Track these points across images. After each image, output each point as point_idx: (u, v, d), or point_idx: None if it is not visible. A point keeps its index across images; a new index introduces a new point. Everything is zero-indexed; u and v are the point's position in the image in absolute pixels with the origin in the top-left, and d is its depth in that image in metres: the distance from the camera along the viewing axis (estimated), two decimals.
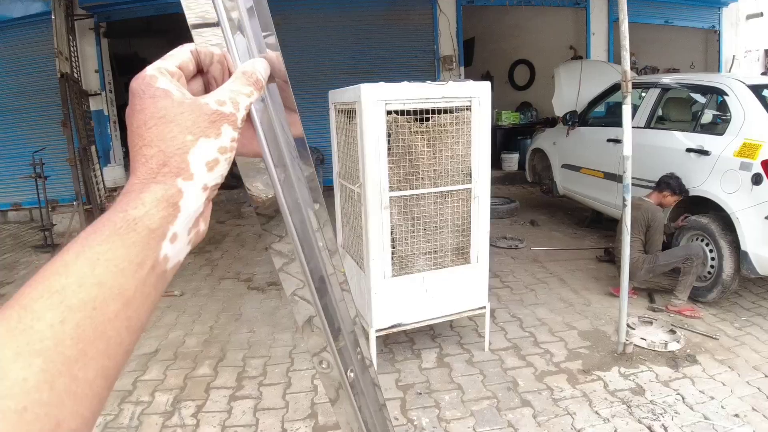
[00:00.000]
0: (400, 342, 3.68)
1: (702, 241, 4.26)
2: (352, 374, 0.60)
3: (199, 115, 0.38)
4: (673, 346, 3.52)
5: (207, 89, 0.46)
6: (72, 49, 7.40)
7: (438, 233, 3.23)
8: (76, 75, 7.42)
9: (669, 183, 4.25)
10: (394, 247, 3.16)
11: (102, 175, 7.46)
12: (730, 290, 4.11)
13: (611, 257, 5.01)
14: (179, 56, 0.43)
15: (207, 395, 3.11)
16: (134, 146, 0.38)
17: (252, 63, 0.44)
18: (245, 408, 2.98)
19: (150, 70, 0.40)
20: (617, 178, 5.20)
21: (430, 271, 3.25)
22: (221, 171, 0.40)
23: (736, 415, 2.83)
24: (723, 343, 3.60)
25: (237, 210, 7.87)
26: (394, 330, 3.28)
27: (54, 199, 7.42)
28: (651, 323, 3.88)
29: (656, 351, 3.49)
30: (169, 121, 0.37)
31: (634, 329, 3.73)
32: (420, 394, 3.09)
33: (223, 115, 0.39)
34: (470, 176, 3.17)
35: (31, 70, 7.82)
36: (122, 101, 8.98)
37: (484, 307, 3.43)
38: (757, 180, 3.76)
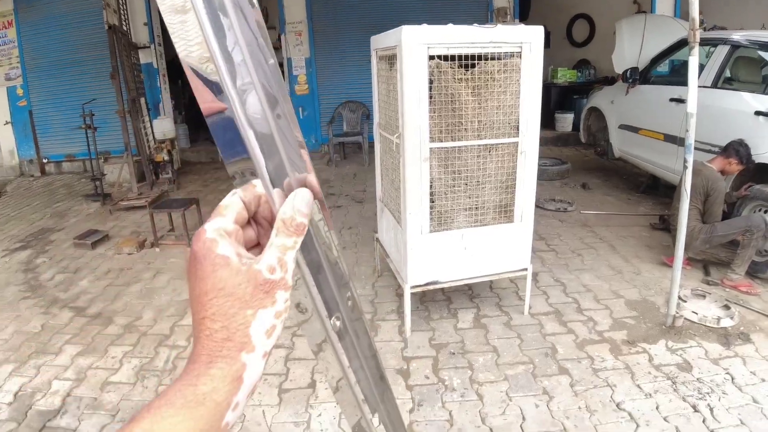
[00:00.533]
0: (436, 300, 3.60)
1: (765, 212, 3.93)
2: (338, 322, 0.50)
3: (255, 287, 0.40)
4: (726, 323, 3.29)
5: (259, 232, 0.47)
6: (120, 1, 7.44)
7: (480, 189, 3.09)
8: (125, 27, 7.47)
9: (738, 150, 3.91)
10: (432, 202, 3.04)
11: (152, 126, 7.58)
12: None
13: (667, 225, 4.73)
14: (234, 209, 0.43)
15: None
16: (196, 314, 0.40)
17: (291, 204, 0.42)
18: (277, 357, 2.99)
19: (210, 232, 0.41)
20: (678, 141, 4.86)
21: (470, 228, 3.13)
22: (278, 333, 0.43)
23: None
24: None
25: None
26: (431, 287, 3.19)
27: (106, 150, 7.62)
28: (704, 297, 3.64)
29: (708, 326, 3.28)
30: (229, 294, 0.39)
31: (685, 302, 3.51)
32: (453, 354, 3.01)
33: (275, 283, 0.41)
34: (517, 129, 2.99)
35: (82, 23, 7.92)
36: (171, 55, 9.05)
37: (526, 269, 3.29)
38: None
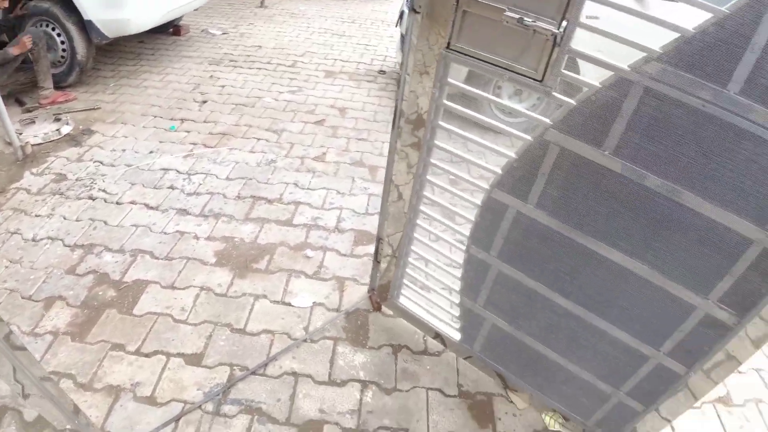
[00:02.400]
0: None
1: (47, 26, 4.12)
2: None
3: None
4: (66, 130, 3.60)
5: None
6: None
7: None
8: None
9: None
10: None
11: None
12: (88, 68, 4.30)
13: None
14: None
15: None
16: None
17: None
18: None
19: None
20: None
21: None
22: None
23: (151, 152, 3.30)
24: (106, 108, 3.91)
25: None
26: None
27: None
28: (34, 122, 3.76)
29: (54, 141, 3.51)
30: None
31: (22, 134, 3.56)
32: None
33: None
34: None
35: None
36: None
37: None
38: None
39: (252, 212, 2.77)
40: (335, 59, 5.10)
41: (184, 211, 2.78)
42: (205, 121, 3.67)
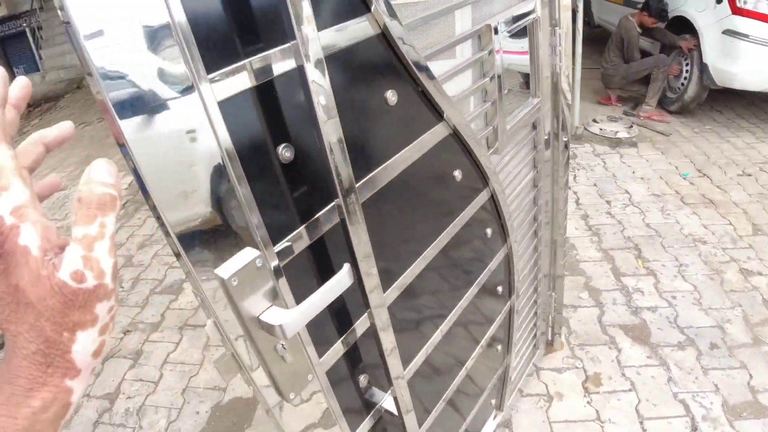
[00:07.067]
0: None
1: (684, 58, 4.72)
2: None
3: (64, 303, 0.30)
4: (622, 135, 4.28)
5: None
6: None
7: None
8: None
9: (650, 5, 4.69)
10: None
11: None
12: (692, 106, 4.69)
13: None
14: (33, 154, 0.38)
15: None
16: (2, 322, 0.31)
17: (86, 177, 0.32)
18: None
19: (8, 213, 0.29)
20: (630, 4, 5.64)
21: None
22: (107, 349, 0.34)
23: (642, 178, 3.61)
24: (672, 139, 4.26)
25: None
26: None
27: None
28: (616, 121, 4.61)
29: (605, 137, 4.27)
30: (32, 307, 0.30)
31: (597, 123, 4.53)
32: None
33: (89, 294, 0.31)
34: None
35: None
36: None
37: None
38: None
39: None
40: None
41: None
42: None
